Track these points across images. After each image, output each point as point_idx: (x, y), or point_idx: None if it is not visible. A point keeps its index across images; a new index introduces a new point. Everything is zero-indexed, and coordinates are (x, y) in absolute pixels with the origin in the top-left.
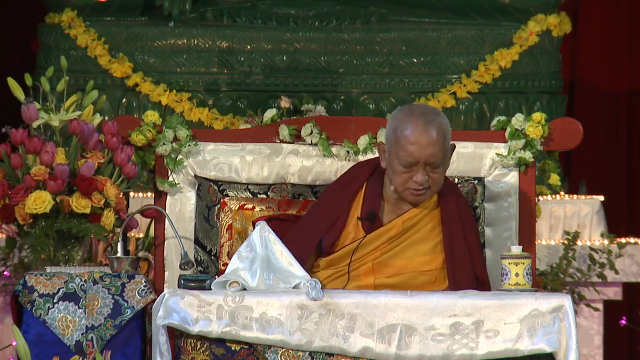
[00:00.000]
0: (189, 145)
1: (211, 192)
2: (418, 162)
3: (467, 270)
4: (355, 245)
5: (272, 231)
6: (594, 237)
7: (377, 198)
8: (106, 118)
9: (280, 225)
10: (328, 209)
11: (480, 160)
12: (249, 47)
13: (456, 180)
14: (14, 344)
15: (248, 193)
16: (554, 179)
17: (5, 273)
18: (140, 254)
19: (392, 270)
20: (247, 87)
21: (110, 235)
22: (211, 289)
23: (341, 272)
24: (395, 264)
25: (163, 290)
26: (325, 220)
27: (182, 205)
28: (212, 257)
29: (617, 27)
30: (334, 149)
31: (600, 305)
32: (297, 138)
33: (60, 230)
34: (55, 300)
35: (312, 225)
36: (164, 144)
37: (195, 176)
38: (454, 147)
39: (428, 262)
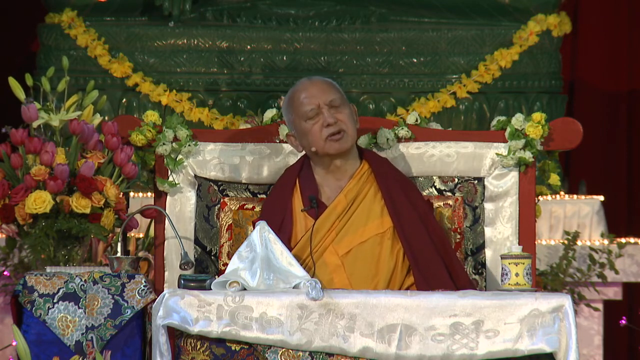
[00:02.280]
0: (189, 145)
1: (211, 192)
2: (318, 106)
3: (418, 228)
4: (308, 234)
5: (272, 231)
6: (594, 237)
7: (313, 185)
8: (106, 118)
9: None
10: (269, 212)
11: (480, 160)
12: (249, 47)
13: (456, 180)
14: (14, 344)
15: (248, 193)
16: (554, 179)
17: (5, 273)
18: (140, 254)
19: (352, 243)
20: (247, 87)
21: (110, 235)
22: (211, 289)
23: (308, 264)
24: (354, 236)
25: (163, 290)
26: (271, 223)
27: (182, 205)
28: (212, 257)
29: (617, 27)
30: None
31: (600, 305)
32: None
33: (60, 230)
34: (55, 300)
35: None
36: (164, 144)
37: (195, 176)
38: (355, 108)
39: (381, 223)
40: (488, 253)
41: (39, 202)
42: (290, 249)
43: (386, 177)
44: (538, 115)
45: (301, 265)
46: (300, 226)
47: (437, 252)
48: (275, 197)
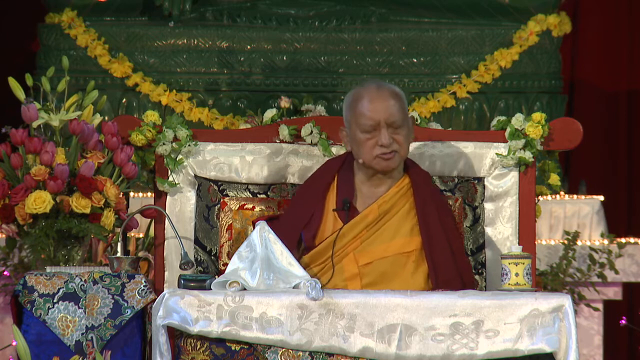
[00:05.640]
0: (189, 145)
1: (211, 192)
2: (379, 123)
3: (445, 251)
4: (334, 237)
5: (272, 231)
6: (594, 237)
7: (350, 187)
8: (106, 118)
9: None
10: (302, 204)
11: (480, 160)
12: (249, 47)
13: (456, 180)
14: (14, 344)
15: (248, 193)
16: (554, 179)
17: (5, 273)
18: (140, 254)
19: (374, 256)
20: (247, 87)
21: (110, 235)
22: (211, 289)
23: (325, 266)
24: (377, 249)
25: (163, 290)
26: (301, 215)
27: (182, 205)
28: (212, 257)
29: (617, 27)
30: (334, 149)
31: (600, 305)
32: (297, 138)
33: (60, 230)
34: (55, 300)
35: (289, 223)
36: (164, 144)
37: (195, 176)
38: (413, 119)
39: (408, 243)
40: (488, 253)
41: (39, 202)
42: (314, 245)
43: (423, 195)
44: (538, 115)
45: (320, 270)
46: (329, 225)
47: (460, 277)
48: (311, 189)
